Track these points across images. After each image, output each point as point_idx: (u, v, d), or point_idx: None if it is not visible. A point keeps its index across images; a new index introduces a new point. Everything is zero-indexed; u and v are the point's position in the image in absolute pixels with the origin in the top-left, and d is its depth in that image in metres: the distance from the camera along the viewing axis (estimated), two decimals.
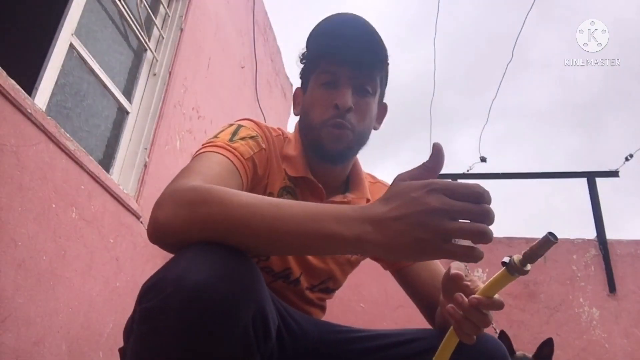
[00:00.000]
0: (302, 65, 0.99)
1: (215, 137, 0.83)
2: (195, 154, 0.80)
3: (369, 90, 0.91)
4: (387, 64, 0.95)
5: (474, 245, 0.53)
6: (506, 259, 0.61)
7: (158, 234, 0.63)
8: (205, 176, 0.71)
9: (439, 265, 0.97)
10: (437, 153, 0.59)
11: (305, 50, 0.97)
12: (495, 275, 0.64)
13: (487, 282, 0.65)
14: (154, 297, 0.55)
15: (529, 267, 0.60)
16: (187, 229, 0.60)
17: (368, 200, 0.97)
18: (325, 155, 0.91)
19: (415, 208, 0.53)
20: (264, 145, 0.88)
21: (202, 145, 0.82)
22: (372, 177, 1.06)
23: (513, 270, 0.60)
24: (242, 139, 0.84)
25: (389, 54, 0.92)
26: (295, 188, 0.91)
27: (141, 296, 0.58)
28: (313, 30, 0.94)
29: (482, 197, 0.53)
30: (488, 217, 0.52)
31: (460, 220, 0.53)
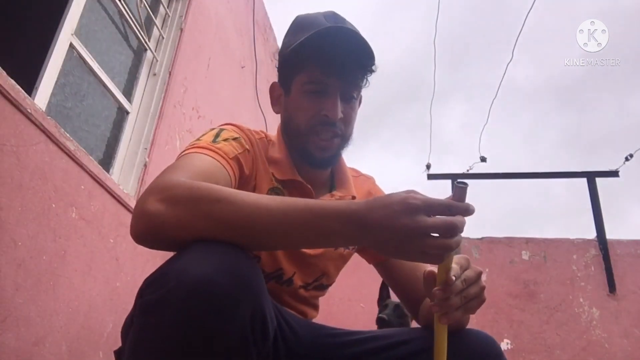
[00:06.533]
0: (280, 59, 0.96)
1: (198, 140, 0.83)
2: (179, 155, 0.79)
3: (354, 96, 0.93)
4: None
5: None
6: None
7: (150, 229, 0.62)
8: (192, 173, 0.70)
9: None
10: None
11: (287, 45, 0.93)
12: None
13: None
14: (156, 290, 0.56)
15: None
16: (189, 225, 0.60)
17: (354, 197, 0.98)
18: (312, 162, 0.93)
19: (394, 225, 0.58)
20: (247, 147, 0.88)
21: (185, 148, 0.82)
22: (355, 170, 1.08)
23: None
24: (225, 140, 0.84)
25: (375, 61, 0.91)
26: (284, 189, 0.92)
27: (143, 289, 0.59)
28: (297, 27, 0.92)
29: (455, 229, 0.58)
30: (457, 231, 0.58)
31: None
